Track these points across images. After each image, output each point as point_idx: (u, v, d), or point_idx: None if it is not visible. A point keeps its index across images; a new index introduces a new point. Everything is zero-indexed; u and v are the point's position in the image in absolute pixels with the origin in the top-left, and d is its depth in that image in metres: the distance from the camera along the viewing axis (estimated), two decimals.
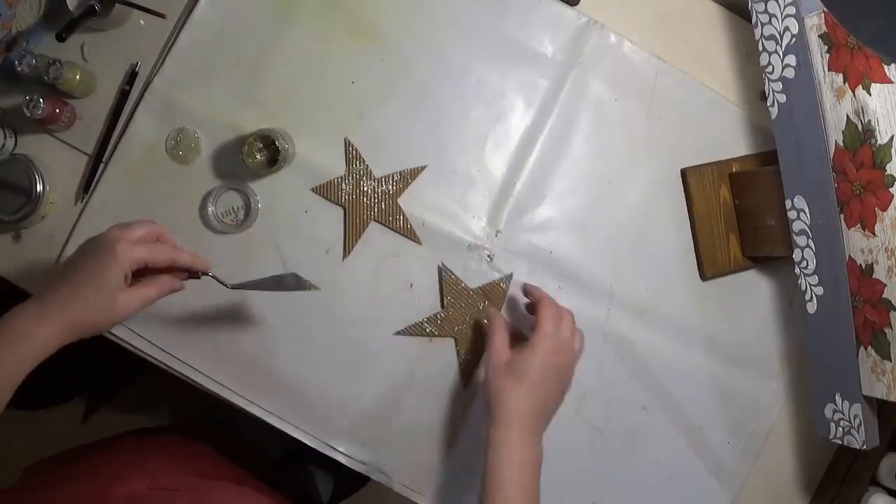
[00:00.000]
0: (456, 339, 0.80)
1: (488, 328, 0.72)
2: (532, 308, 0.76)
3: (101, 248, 0.61)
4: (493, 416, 0.65)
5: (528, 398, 0.65)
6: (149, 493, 0.67)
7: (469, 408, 0.81)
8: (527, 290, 0.78)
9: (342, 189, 0.78)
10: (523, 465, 0.63)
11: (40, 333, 0.58)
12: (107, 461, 0.74)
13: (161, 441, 0.84)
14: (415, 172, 0.79)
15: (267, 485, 0.79)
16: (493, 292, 0.80)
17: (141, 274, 0.64)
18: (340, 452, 0.79)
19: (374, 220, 0.78)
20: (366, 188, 0.78)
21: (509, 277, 0.80)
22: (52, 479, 0.69)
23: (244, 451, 0.84)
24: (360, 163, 0.78)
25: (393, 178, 0.79)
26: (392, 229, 0.79)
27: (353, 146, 0.78)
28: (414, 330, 0.79)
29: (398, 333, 0.79)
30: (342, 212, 0.78)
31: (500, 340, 0.70)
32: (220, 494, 0.71)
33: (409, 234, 0.79)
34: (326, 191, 0.78)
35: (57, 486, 0.66)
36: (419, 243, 0.79)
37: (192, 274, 0.68)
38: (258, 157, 0.75)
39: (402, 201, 0.79)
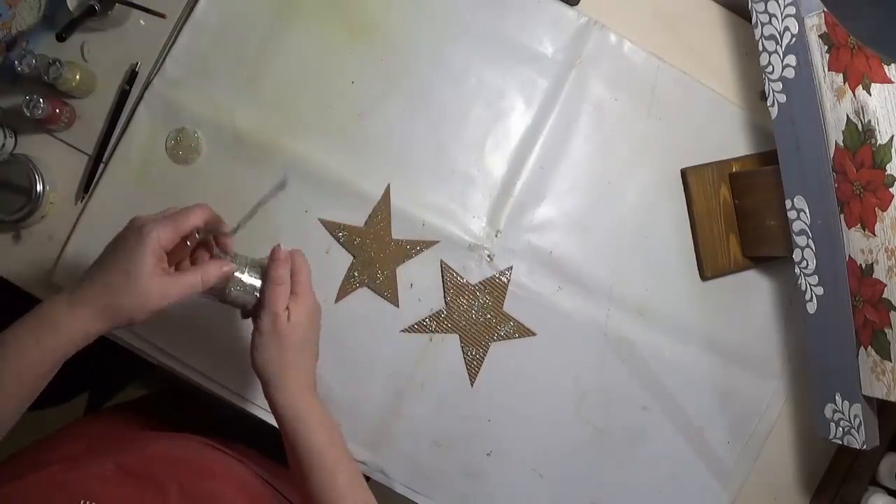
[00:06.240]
0: (461, 335, 0.80)
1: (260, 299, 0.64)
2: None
3: (129, 231, 0.58)
4: (280, 385, 0.61)
5: (302, 358, 0.63)
6: (85, 452, 0.64)
7: (474, 406, 0.81)
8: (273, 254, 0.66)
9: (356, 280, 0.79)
10: (327, 425, 0.62)
11: (67, 322, 0.55)
12: (50, 438, 0.70)
13: (113, 413, 0.81)
14: (385, 202, 0.79)
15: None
16: (494, 286, 0.80)
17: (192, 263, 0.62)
18: None
19: (397, 266, 0.79)
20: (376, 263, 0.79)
21: (509, 270, 0.81)
22: None
23: (233, 426, 0.80)
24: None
25: (373, 222, 0.78)
26: (413, 256, 0.79)
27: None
28: (418, 327, 0.80)
29: (403, 331, 0.79)
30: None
31: (275, 301, 0.63)
32: (162, 441, 0.66)
33: (424, 247, 0.80)
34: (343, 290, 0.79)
35: None
36: (434, 243, 0.79)
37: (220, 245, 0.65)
38: None
39: (399, 206, 0.79)
